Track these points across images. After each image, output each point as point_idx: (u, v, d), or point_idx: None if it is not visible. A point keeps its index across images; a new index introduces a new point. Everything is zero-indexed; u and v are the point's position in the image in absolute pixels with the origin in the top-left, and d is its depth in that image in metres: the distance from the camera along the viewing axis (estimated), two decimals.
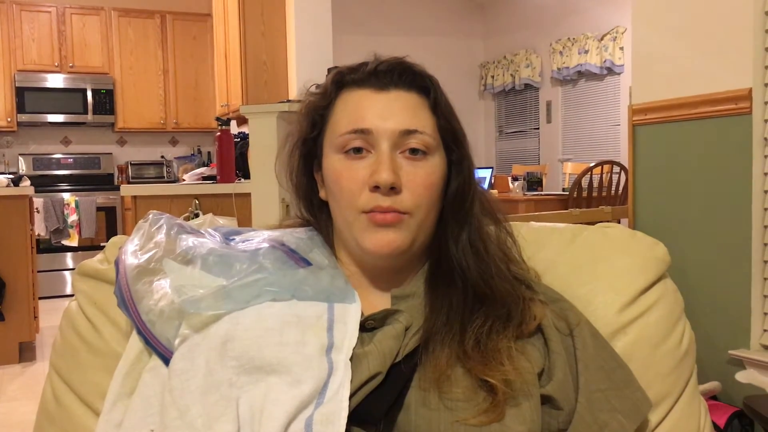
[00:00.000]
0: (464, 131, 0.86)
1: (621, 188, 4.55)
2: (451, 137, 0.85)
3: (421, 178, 0.81)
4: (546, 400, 0.79)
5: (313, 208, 0.92)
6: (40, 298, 4.44)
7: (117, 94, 6.44)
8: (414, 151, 0.81)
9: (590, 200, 4.41)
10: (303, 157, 0.89)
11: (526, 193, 4.65)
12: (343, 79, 0.86)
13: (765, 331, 1.84)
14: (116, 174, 6.70)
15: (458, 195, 0.85)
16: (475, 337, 0.79)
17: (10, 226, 3.88)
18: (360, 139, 0.81)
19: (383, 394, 0.75)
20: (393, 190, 0.79)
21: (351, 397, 0.73)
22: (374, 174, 0.79)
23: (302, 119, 0.88)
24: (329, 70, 3.59)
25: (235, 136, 3.96)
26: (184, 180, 4.07)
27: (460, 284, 0.83)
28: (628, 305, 0.96)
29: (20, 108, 6.11)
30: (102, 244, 1.07)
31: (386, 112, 0.81)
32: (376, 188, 0.79)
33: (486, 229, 0.87)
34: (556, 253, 1.02)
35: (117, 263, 0.89)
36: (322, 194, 0.89)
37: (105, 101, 6.36)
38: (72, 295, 1.02)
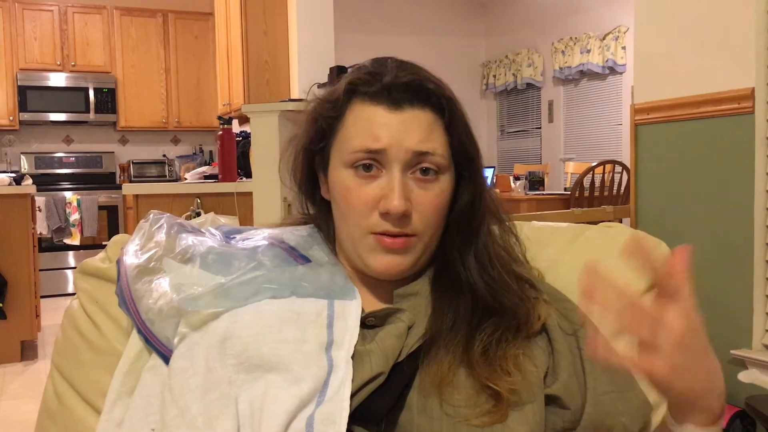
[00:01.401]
0: (478, 149, 0.85)
1: (623, 188, 4.54)
2: (464, 156, 0.83)
3: (431, 200, 0.80)
4: (551, 399, 0.79)
5: (315, 205, 0.92)
6: (41, 297, 4.44)
7: (119, 92, 6.44)
8: (425, 171, 0.79)
9: (592, 200, 4.41)
10: (307, 159, 0.88)
11: (528, 192, 4.64)
12: (355, 90, 0.82)
13: (767, 331, 1.83)
14: (118, 173, 6.71)
15: (466, 212, 0.84)
16: (484, 346, 0.78)
17: (12, 224, 3.88)
18: (372, 159, 0.79)
19: (385, 393, 0.75)
20: (404, 216, 0.78)
21: (352, 396, 0.73)
22: (385, 200, 0.78)
23: (309, 126, 0.86)
24: (331, 69, 3.59)
25: (237, 135, 3.96)
26: (185, 179, 4.07)
27: (469, 295, 0.82)
28: None
29: (22, 107, 6.11)
30: (103, 243, 1.07)
31: (399, 133, 0.79)
32: (386, 214, 0.78)
33: (494, 239, 0.87)
34: (558, 253, 1.02)
35: (119, 263, 0.89)
36: (324, 194, 0.88)
37: (107, 100, 6.37)
38: (73, 294, 1.03)
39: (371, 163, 0.79)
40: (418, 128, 0.79)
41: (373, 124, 0.80)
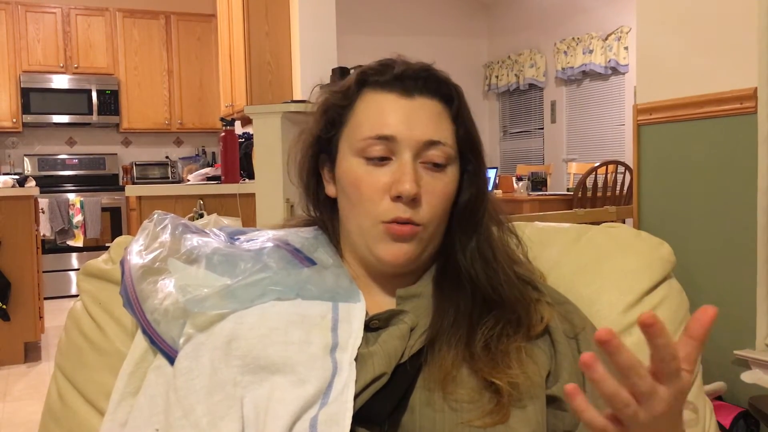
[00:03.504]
0: (482, 142, 0.86)
1: (626, 188, 4.54)
2: (469, 148, 0.84)
3: (441, 189, 0.81)
4: (552, 400, 0.79)
5: (319, 204, 0.92)
6: (45, 299, 4.45)
7: (122, 94, 6.45)
8: (435, 163, 0.81)
9: (595, 200, 4.40)
10: (315, 155, 0.89)
11: (531, 193, 4.64)
12: (366, 79, 0.84)
13: None
14: (121, 174, 6.72)
15: (470, 206, 0.85)
16: (485, 340, 0.79)
17: (16, 226, 3.89)
18: (382, 145, 0.80)
19: (388, 394, 0.75)
20: (414, 201, 0.79)
21: (356, 397, 0.73)
22: (397, 184, 0.78)
23: (319, 116, 0.87)
24: (333, 71, 3.59)
25: (240, 136, 3.96)
26: (188, 180, 4.08)
27: (469, 289, 0.83)
28: (633, 305, 0.96)
29: (25, 109, 6.12)
30: (107, 245, 1.08)
31: (410, 120, 0.80)
32: (397, 198, 0.78)
33: (494, 235, 0.87)
34: (560, 253, 1.02)
35: (122, 263, 0.89)
36: (328, 191, 0.88)
37: (110, 102, 6.38)
38: (77, 296, 1.03)
39: (383, 153, 0.80)
40: (428, 117, 0.81)
41: (384, 111, 0.81)
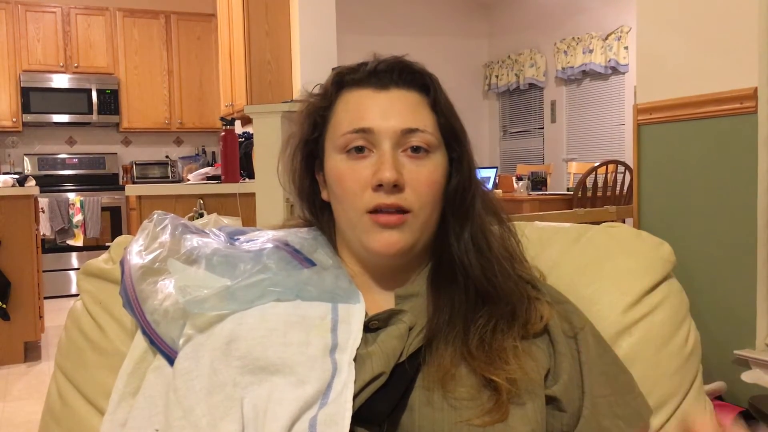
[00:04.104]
0: (464, 129, 0.86)
1: (626, 188, 4.54)
2: (452, 135, 0.85)
3: (424, 176, 0.81)
4: (550, 400, 0.79)
5: (315, 209, 0.92)
6: (45, 298, 4.44)
7: (122, 94, 6.45)
8: (416, 149, 0.81)
9: (595, 200, 4.40)
10: (305, 159, 0.89)
11: (531, 192, 4.64)
12: (342, 80, 0.86)
13: None
14: (121, 174, 6.72)
15: (459, 192, 0.85)
16: (479, 336, 0.79)
17: (16, 225, 3.89)
18: (361, 138, 0.81)
19: (387, 394, 0.75)
20: (396, 188, 0.79)
21: (355, 397, 0.73)
22: (377, 173, 0.79)
23: (303, 121, 0.88)
24: (333, 70, 3.60)
25: (240, 135, 3.96)
26: (188, 180, 4.08)
27: (462, 282, 0.83)
28: (633, 305, 0.96)
29: (25, 108, 6.12)
30: (107, 244, 1.08)
31: (387, 111, 0.81)
32: (379, 187, 0.79)
33: (489, 227, 0.87)
34: (560, 253, 1.02)
35: (122, 263, 0.89)
36: (324, 195, 0.89)
37: (110, 101, 6.38)
38: (77, 295, 1.03)
39: (362, 144, 0.81)
40: (405, 107, 0.82)
41: (361, 106, 0.82)
